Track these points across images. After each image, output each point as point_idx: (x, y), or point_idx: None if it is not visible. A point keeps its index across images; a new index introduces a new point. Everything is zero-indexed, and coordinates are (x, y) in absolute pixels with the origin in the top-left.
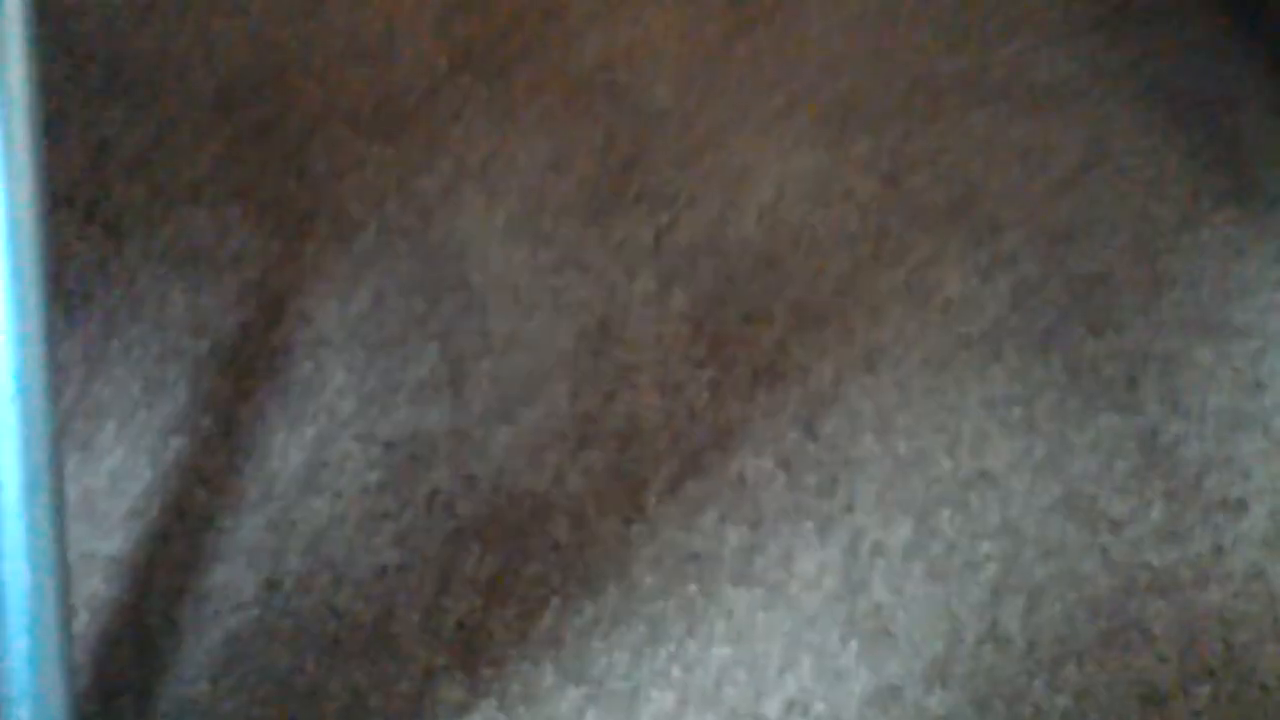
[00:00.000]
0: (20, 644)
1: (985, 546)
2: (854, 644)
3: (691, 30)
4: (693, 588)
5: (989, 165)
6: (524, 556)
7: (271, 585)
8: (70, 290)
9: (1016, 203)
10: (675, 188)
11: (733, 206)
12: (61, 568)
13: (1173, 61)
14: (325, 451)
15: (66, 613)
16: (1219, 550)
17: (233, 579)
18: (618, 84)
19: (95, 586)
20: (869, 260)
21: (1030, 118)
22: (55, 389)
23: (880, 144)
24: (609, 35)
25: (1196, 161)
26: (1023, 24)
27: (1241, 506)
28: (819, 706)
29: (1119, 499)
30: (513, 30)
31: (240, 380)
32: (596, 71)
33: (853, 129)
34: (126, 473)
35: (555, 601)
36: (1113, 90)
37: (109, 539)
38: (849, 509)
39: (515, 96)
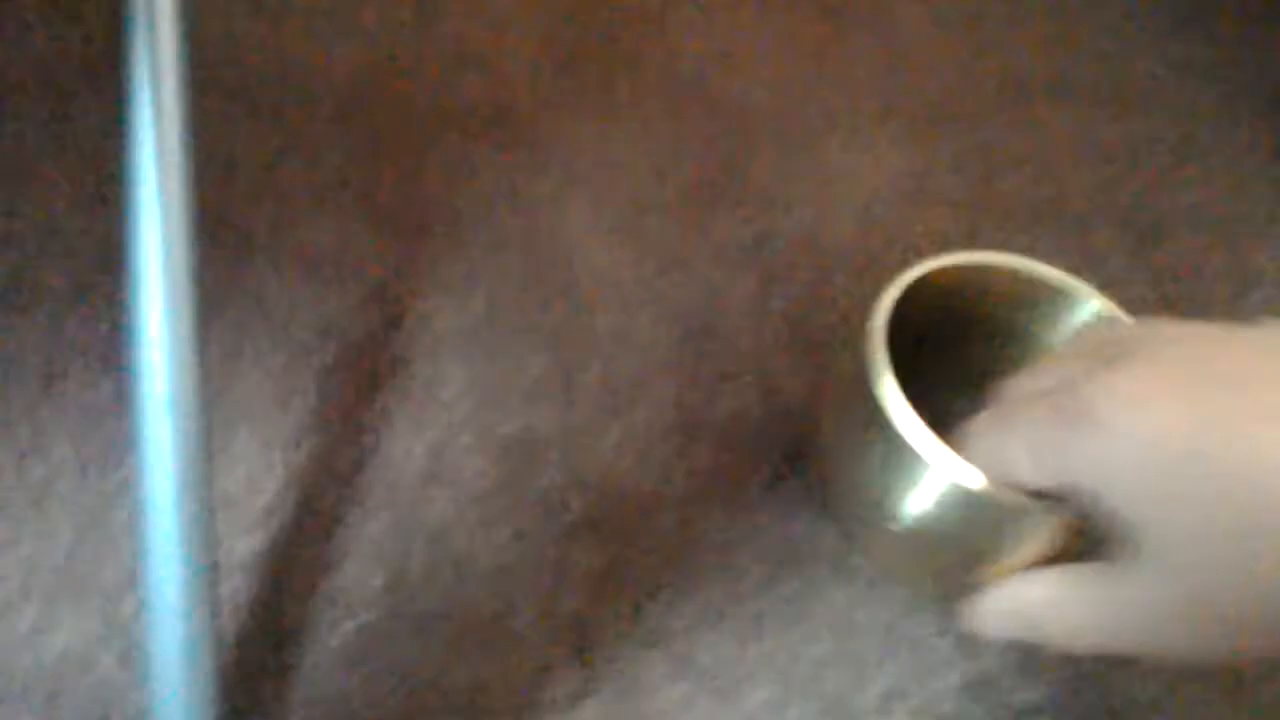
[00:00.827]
0: (170, 641)
1: None
2: (949, 636)
3: (786, 37)
4: (793, 584)
5: (1078, 165)
6: (634, 551)
7: (397, 582)
8: (205, 301)
9: (1106, 202)
10: (773, 191)
11: (829, 209)
12: (209, 566)
13: (1259, 61)
14: (445, 451)
15: (214, 607)
16: None
17: (361, 574)
18: (716, 91)
19: (235, 583)
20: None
21: (1119, 118)
22: (203, 396)
23: (972, 146)
24: (707, 43)
25: None
26: (1111, 26)
27: None
28: (916, 696)
29: None
30: (614, 40)
31: (365, 384)
32: (695, 79)
33: (945, 131)
34: (261, 474)
35: (663, 596)
36: (1200, 90)
37: (246, 538)
38: None
39: (618, 104)
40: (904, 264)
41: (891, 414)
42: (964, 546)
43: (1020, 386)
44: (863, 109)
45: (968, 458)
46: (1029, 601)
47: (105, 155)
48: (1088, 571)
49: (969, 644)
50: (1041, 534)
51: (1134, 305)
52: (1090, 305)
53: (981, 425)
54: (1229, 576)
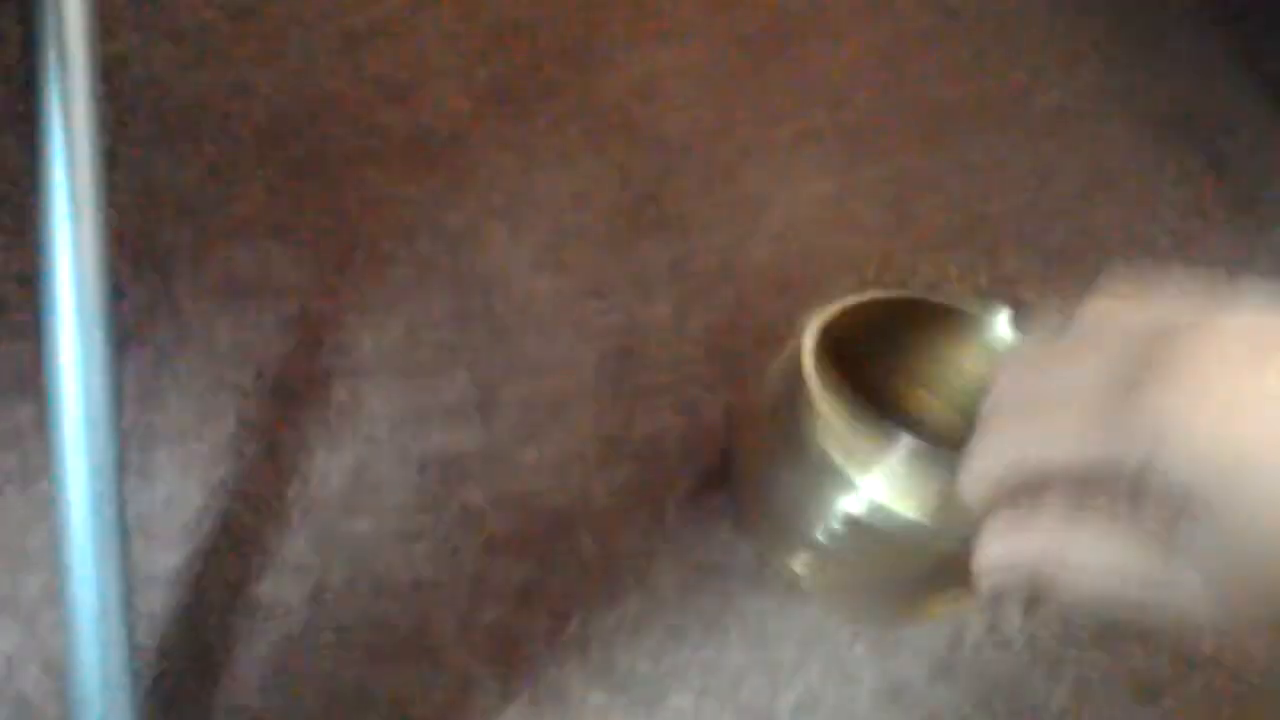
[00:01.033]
0: (89, 653)
1: None
2: (860, 646)
3: (704, 69)
4: (710, 597)
5: (991, 191)
6: (552, 568)
7: (316, 598)
8: (123, 326)
9: (1017, 227)
10: (691, 217)
11: (746, 234)
12: (124, 582)
13: (1164, 86)
14: (364, 473)
15: (129, 624)
16: None
17: (280, 592)
18: (635, 120)
19: (153, 600)
20: (873, 284)
21: (1032, 144)
22: (117, 418)
23: (886, 171)
24: (625, 75)
25: (1190, 184)
26: (1023, 54)
27: None
28: (831, 702)
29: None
30: (533, 72)
31: (283, 407)
32: (614, 109)
33: (861, 158)
34: (179, 496)
35: (581, 610)
36: (1110, 116)
37: (164, 557)
38: None
39: (537, 134)
40: (818, 287)
41: (813, 429)
42: (881, 566)
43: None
44: (779, 138)
45: (992, 444)
46: (1062, 551)
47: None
48: (1144, 534)
49: (883, 652)
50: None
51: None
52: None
53: (1005, 409)
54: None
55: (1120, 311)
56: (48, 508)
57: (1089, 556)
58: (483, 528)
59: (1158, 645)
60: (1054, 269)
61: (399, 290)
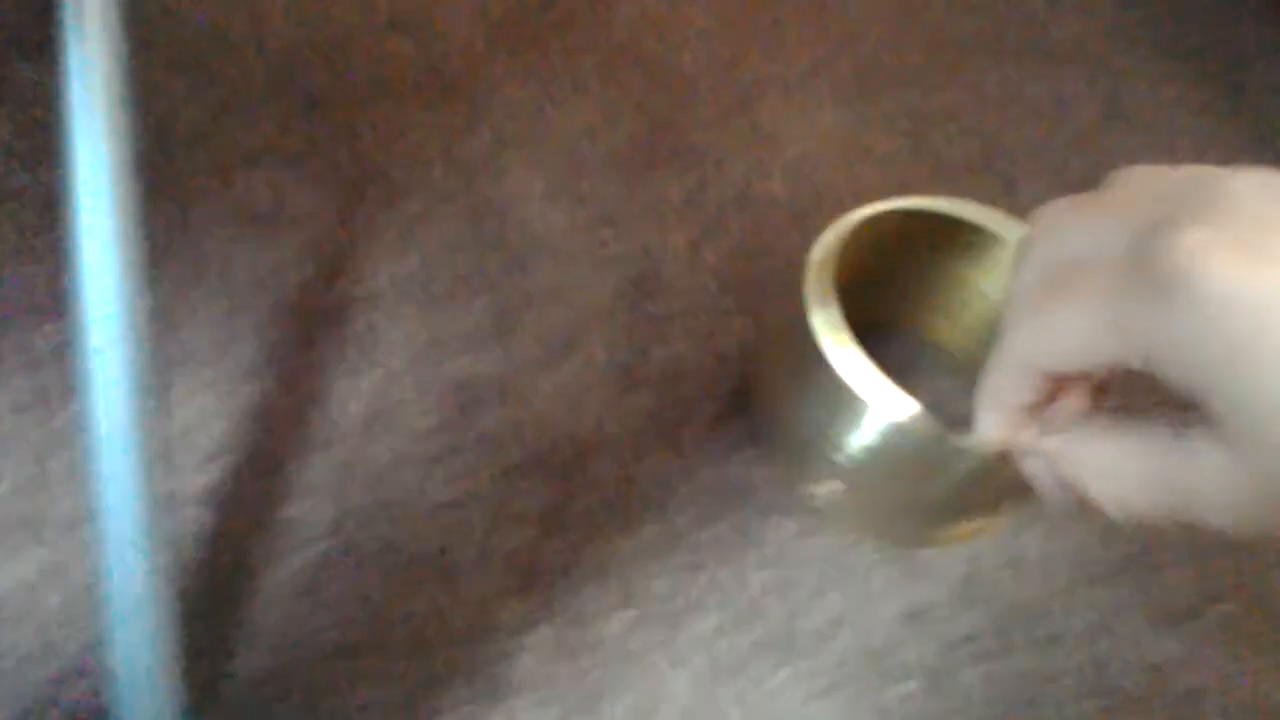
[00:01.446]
0: (117, 577)
1: None
2: (883, 570)
3: (717, 1)
4: (729, 521)
5: (1007, 122)
6: (571, 494)
7: (338, 522)
8: (145, 255)
9: (1034, 158)
10: (704, 149)
11: (760, 166)
12: (151, 507)
13: (1183, 18)
14: (382, 399)
15: (161, 540)
16: None
17: (303, 516)
18: (648, 52)
19: (184, 518)
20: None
21: (1047, 76)
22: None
23: (901, 103)
24: (640, 6)
25: (1207, 116)
26: None
27: None
28: (850, 627)
29: None
30: (547, 4)
31: (302, 335)
32: (627, 41)
33: (874, 89)
34: (198, 423)
35: (601, 534)
36: (1127, 48)
37: (189, 481)
38: None
39: (551, 66)
40: (834, 217)
41: (830, 353)
42: (902, 485)
43: (1068, 248)
44: (793, 69)
45: (1020, 337)
46: (1081, 459)
47: (47, 110)
48: (1157, 439)
49: (902, 578)
50: (979, 473)
51: None
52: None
53: (1036, 299)
54: None
55: (1153, 171)
56: (68, 434)
57: (1105, 465)
58: (502, 454)
59: (1176, 575)
60: None
61: (414, 220)
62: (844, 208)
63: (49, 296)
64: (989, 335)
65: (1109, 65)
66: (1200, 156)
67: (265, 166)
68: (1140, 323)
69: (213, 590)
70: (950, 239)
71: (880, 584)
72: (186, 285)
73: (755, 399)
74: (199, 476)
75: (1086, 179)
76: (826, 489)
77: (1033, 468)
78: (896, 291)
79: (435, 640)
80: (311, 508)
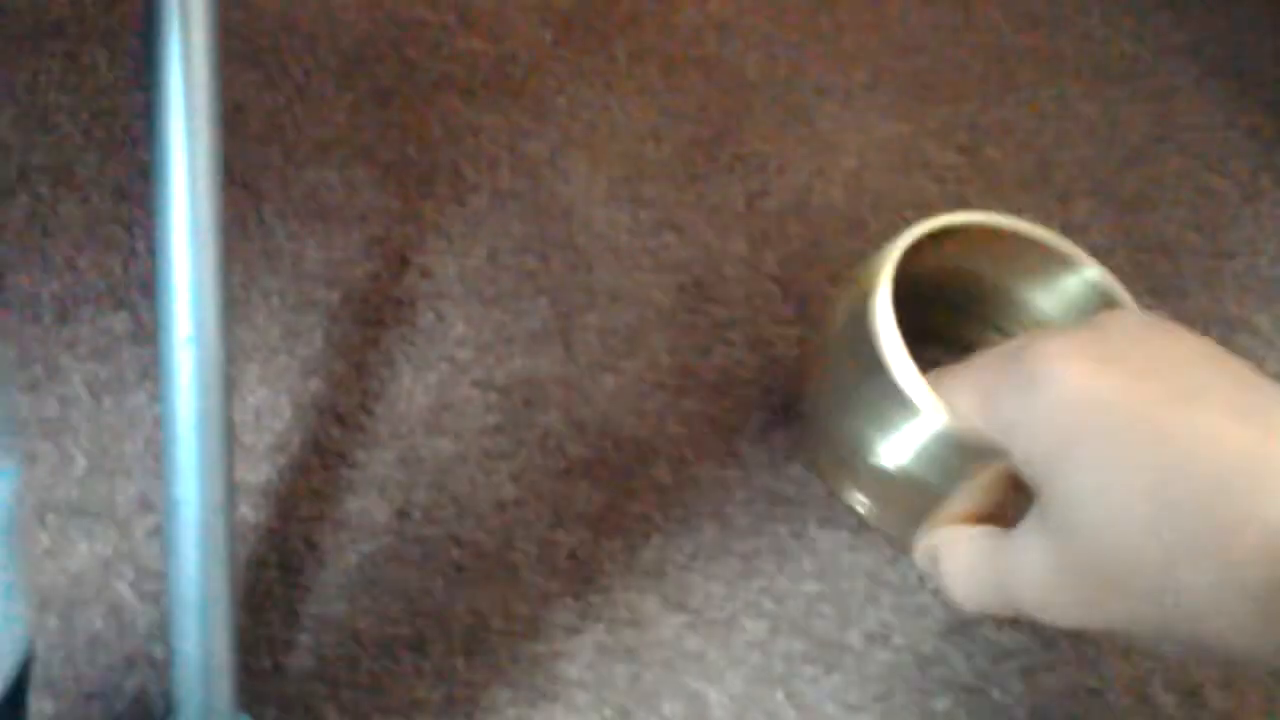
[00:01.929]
0: (189, 562)
1: None
2: (932, 583)
3: (779, 7)
4: (782, 528)
5: (1060, 139)
6: (629, 495)
7: (401, 515)
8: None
9: (1086, 174)
10: (765, 156)
11: (819, 174)
12: (228, 493)
13: (1236, 41)
14: (447, 395)
15: (232, 530)
16: None
17: (366, 509)
18: (712, 57)
19: (244, 513)
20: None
21: (1099, 94)
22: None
23: (957, 117)
24: (704, 10)
25: (1258, 139)
26: (1094, 6)
27: None
28: (899, 637)
29: None
30: (614, 4)
31: (369, 328)
32: (691, 45)
33: (931, 102)
34: (269, 411)
35: (658, 537)
36: (1178, 69)
37: (255, 470)
38: None
39: (617, 67)
40: (892, 228)
41: (887, 355)
42: (946, 494)
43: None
44: (853, 79)
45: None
46: (941, 554)
47: (119, 98)
48: (999, 533)
49: None
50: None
51: (1115, 275)
52: (1086, 273)
53: (942, 375)
54: (1128, 540)
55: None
56: (142, 417)
57: (956, 558)
58: (563, 453)
59: None
60: (1126, 218)
61: (480, 217)
62: (901, 218)
63: (123, 283)
64: None
65: (1163, 85)
66: (1252, 179)
67: (335, 159)
68: (1001, 402)
69: (274, 581)
70: (1008, 255)
71: (928, 596)
72: (253, 279)
73: (803, 407)
74: (264, 466)
75: (1139, 198)
76: (870, 499)
77: (919, 561)
78: (951, 305)
79: (489, 639)
80: (371, 503)
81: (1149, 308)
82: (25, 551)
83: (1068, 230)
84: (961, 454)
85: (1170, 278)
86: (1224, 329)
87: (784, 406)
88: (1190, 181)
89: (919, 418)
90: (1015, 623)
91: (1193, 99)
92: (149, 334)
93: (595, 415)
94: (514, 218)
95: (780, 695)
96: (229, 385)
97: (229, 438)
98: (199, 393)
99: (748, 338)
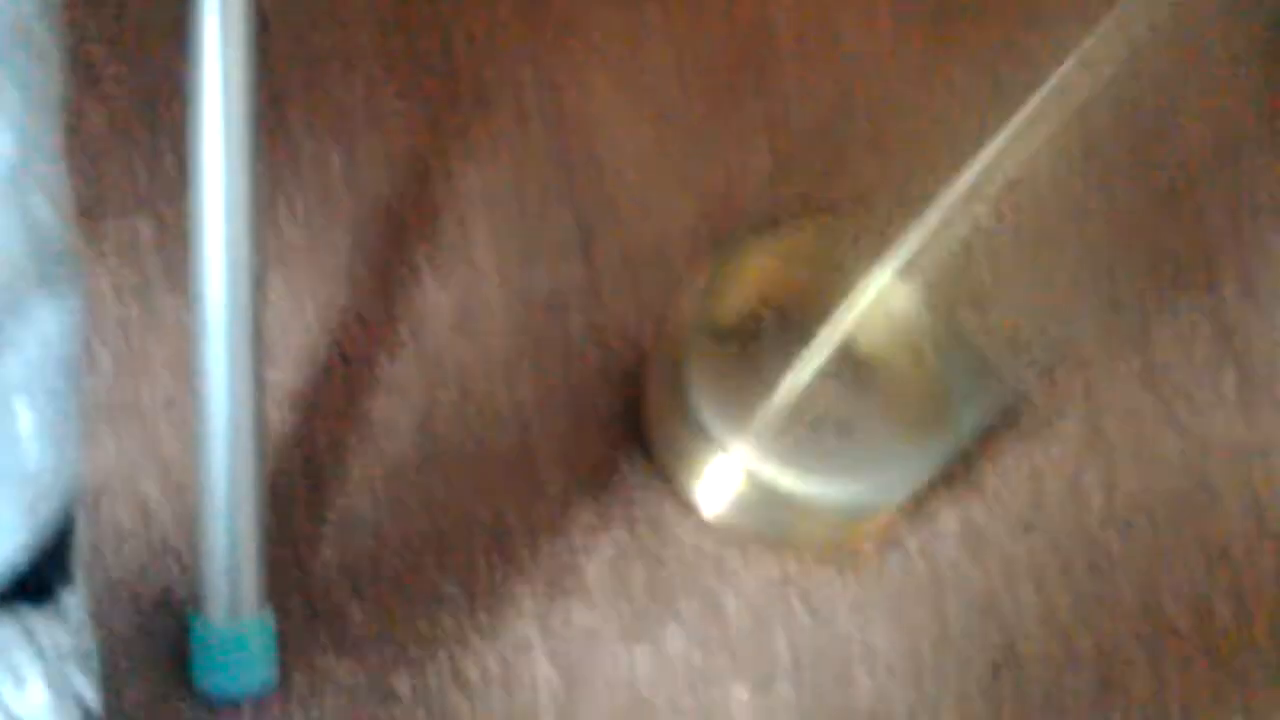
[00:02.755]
0: (217, 462)
1: (1068, 411)
2: (945, 492)
3: None
4: None
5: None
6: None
7: (424, 418)
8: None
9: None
10: (789, 81)
11: (844, 96)
12: (257, 394)
13: None
14: (470, 301)
15: (260, 428)
16: None
17: (390, 412)
18: None
19: (270, 415)
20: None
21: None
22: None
23: (981, 41)
24: None
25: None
26: None
27: None
28: (912, 545)
29: (1194, 375)
30: None
31: (393, 236)
32: None
33: (954, 24)
34: (293, 317)
35: None
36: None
37: (280, 374)
38: None
39: None
40: (914, 150)
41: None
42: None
43: None
44: (878, 3)
45: None
46: None
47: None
48: None
49: (964, 502)
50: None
51: (1132, 192)
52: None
53: None
54: None
55: None
56: (167, 320)
57: None
58: (584, 360)
59: (1231, 515)
60: (1144, 138)
61: (504, 129)
62: (925, 141)
63: (150, 186)
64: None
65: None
66: (1270, 99)
67: (361, 68)
68: None
69: (300, 481)
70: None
71: (940, 506)
72: (282, 183)
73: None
74: (290, 370)
75: (1156, 119)
76: (721, 490)
77: None
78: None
79: (511, 539)
80: (399, 404)
81: (1163, 225)
82: (80, 388)
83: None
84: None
85: (1188, 198)
86: (1238, 252)
87: None
88: (1212, 102)
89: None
90: (1028, 533)
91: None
92: (175, 239)
93: (617, 324)
94: (537, 131)
95: (795, 598)
96: (258, 285)
97: (257, 337)
98: (229, 291)
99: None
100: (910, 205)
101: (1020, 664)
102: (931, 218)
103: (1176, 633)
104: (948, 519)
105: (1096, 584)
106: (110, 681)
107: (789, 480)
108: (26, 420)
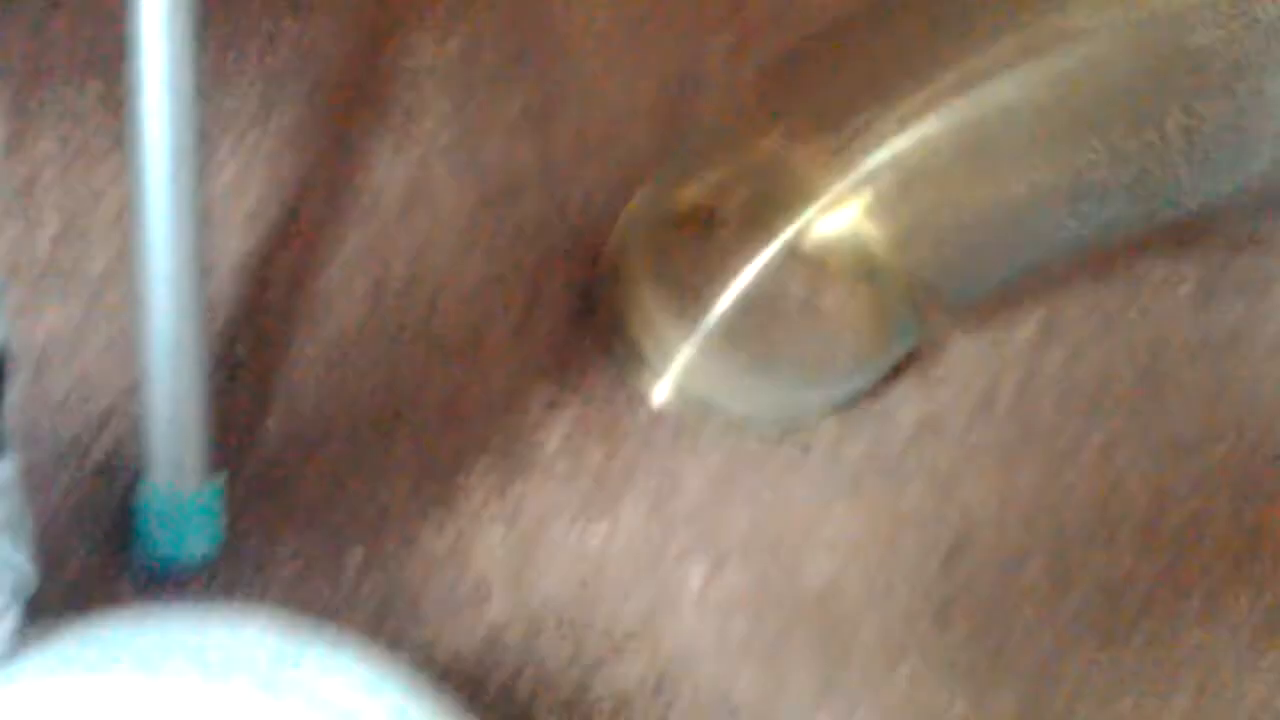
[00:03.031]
0: (161, 328)
1: (1028, 300)
2: (907, 377)
3: None
4: None
5: None
6: (605, 287)
7: (377, 290)
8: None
9: None
10: None
11: None
12: (198, 257)
13: None
14: (425, 175)
15: (202, 291)
16: (1249, 322)
17: (341, 284)
18: None
19: (218, 284)
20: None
21: None
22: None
23: None
24: None
25: None
26: None
27: (1268, 285)
28: (872, 428)
29: (1159, 266)
30: None
31: (347, 106)
32: None
33: None
34: (243, 183)
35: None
36: None
37: (227, 244)
38: None
39: None
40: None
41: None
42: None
43: None
44: None
45: None
46: None
47: None
48: None
49: (922, 390)
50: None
51: None
52: None
53: None
54: None
55: None
56: (113, 184)
57: None
58: (539, 239)
59: (1191, 406)
60: None
61: (460, 3)
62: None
63: (91, 51)
64: None
65: None
66: None
67: None
68: None
69: (250, 351)
70: None
71: (899, 394)
72: (234, 47)
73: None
74: (235, 240)
75: None
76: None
77: None
78: None
79: (468, 414)
80: (348, 278)
81: None
82: None
83: None
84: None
85: None
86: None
87: None
88: None
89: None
90: (986, 418)
91: None
92: (120, 102)
93: (574, 202)
94: (494, 6)
95: (754, 478)
96: (200, 145)
97: (199, 202)
98: (172, 152)
99: (726, 134)
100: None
101: (977, 549)
102: (891, 125)
103: (1135, 521)
104: (907, 405)
105: (1056, 471)
106: (52, 553)
107: (738, 368)
108: None
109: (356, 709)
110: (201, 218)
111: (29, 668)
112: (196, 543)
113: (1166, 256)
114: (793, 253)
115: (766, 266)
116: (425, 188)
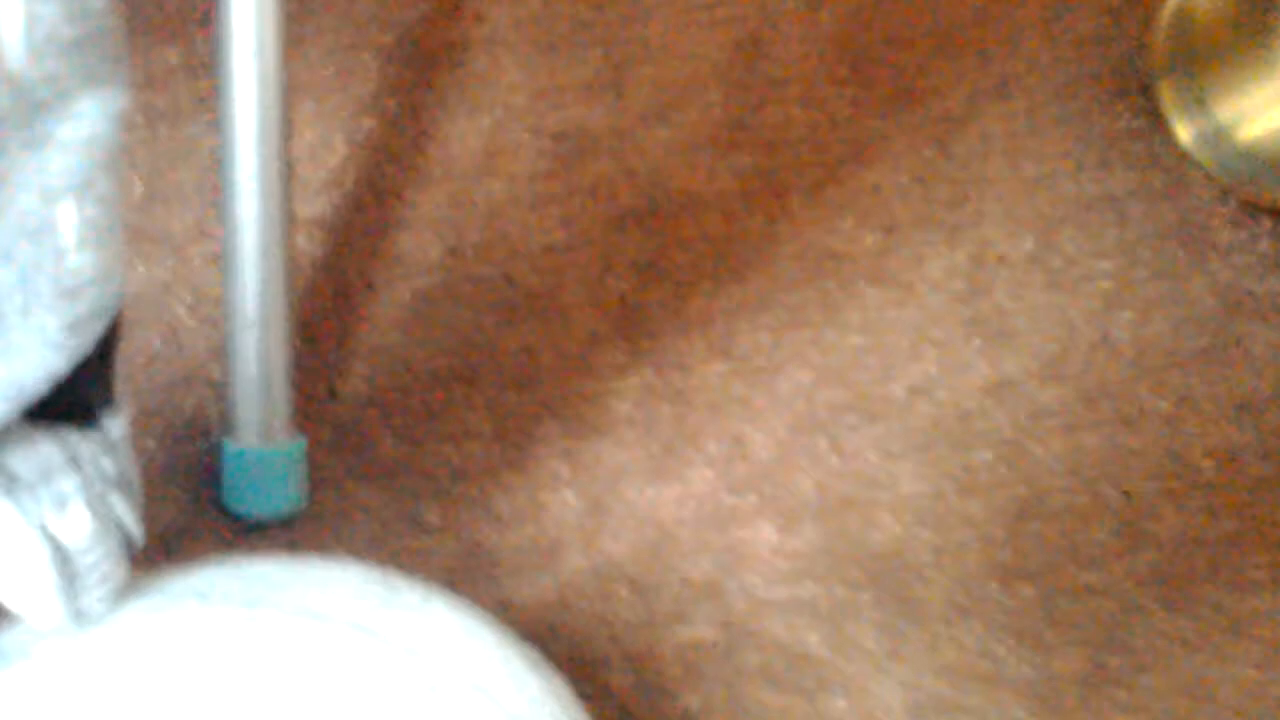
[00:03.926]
0: (248, 285)
1: (1102, 264)
2: (976, 341)
3: None
4: (830, 282)
5: None
6: (679, 244)
7: (453, 253)
8: None
9: None
10: None
11: None
12: (285, 217)
13: None
14: (500, 138)
15: (289, 253)
16: None
17: (419, 245)
18: None
19: (299, 245)
20: None
21: None
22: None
23: None
24: None
25: None
26: None
27: None
28: (941, 392)
29: (1229, 230)
30: None
31: (423, 70)
32: None
33: None
34: (323, 147)
35: (706, 285)
36: None
37: (310, 205)
38: (976, 222)
39: None
40: None
41: None
42: None
43: None
44: None
45: None
46: None
47: None
48: None
49: (993, 350)
50: None
51: None
52: None
53: None
54: None
55: None
56: (198, 147)
57: None
58: (614, 200)
59: (1260, 368)
60: None
61: None
62: None
63: (175, 15)
64: None
65: None
66: None
67: None
68: None
69: (330, 312)
70: None
71: (973, 354)
72: (312, 14)
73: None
74: (319, 201)
75: None
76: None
77: None
78: None
79: (540, 375)
80: (424, 240)
81: None
82: (120, 186)
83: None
84: None
85: None
86: None
87: (836, 165)
88: None
89: None
90: (1058, 382)
91: None
92: (203, 66)
93: (647, 165)
94: None
95: (822, 441)
96: (287, 111)
97: (285, 164)
98: (259, 117)
99: (802, 95)
100: None
101: (1045, 511)
102: None
103: (1203, 484)
104: (978, 367)
105: (1124, 434)
106: (143, 506)
107: None
108: (71, 225)
109: (456, 651)
110: (287, 178)
111: (130, 607)
112: (279, 501)
113: (1235, 219)
114: None
115: None
116: (500, 150)
